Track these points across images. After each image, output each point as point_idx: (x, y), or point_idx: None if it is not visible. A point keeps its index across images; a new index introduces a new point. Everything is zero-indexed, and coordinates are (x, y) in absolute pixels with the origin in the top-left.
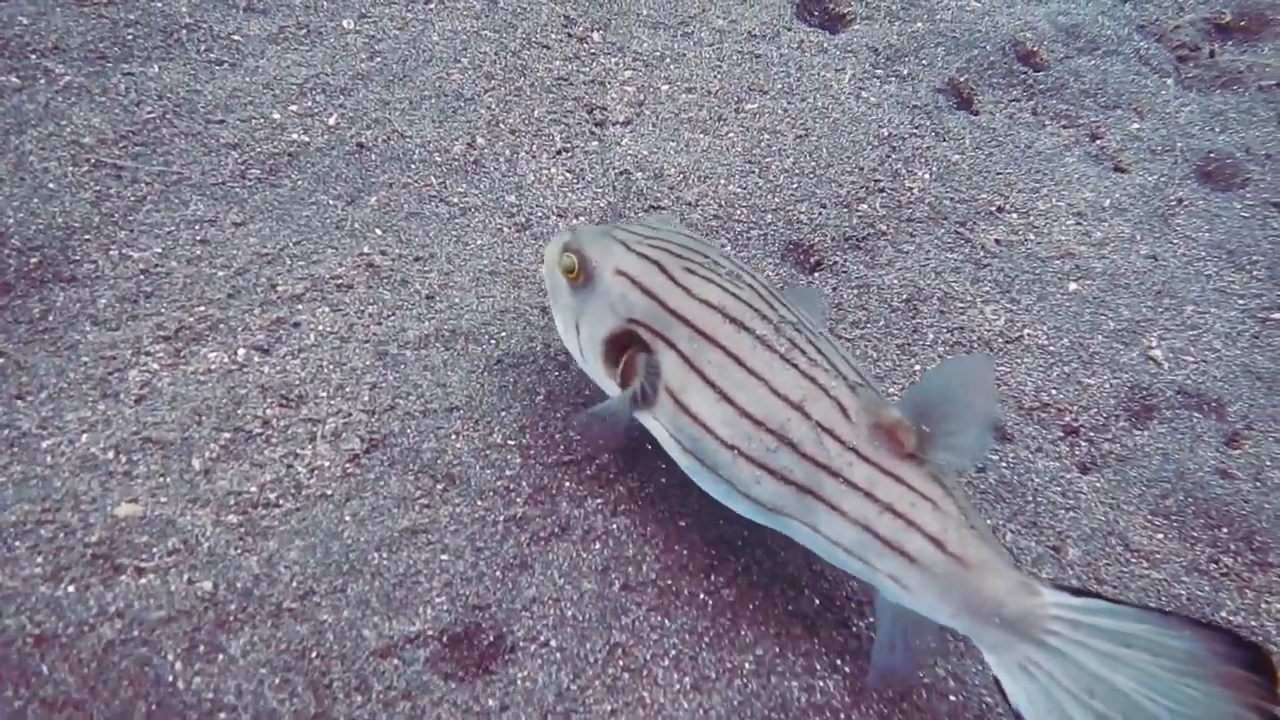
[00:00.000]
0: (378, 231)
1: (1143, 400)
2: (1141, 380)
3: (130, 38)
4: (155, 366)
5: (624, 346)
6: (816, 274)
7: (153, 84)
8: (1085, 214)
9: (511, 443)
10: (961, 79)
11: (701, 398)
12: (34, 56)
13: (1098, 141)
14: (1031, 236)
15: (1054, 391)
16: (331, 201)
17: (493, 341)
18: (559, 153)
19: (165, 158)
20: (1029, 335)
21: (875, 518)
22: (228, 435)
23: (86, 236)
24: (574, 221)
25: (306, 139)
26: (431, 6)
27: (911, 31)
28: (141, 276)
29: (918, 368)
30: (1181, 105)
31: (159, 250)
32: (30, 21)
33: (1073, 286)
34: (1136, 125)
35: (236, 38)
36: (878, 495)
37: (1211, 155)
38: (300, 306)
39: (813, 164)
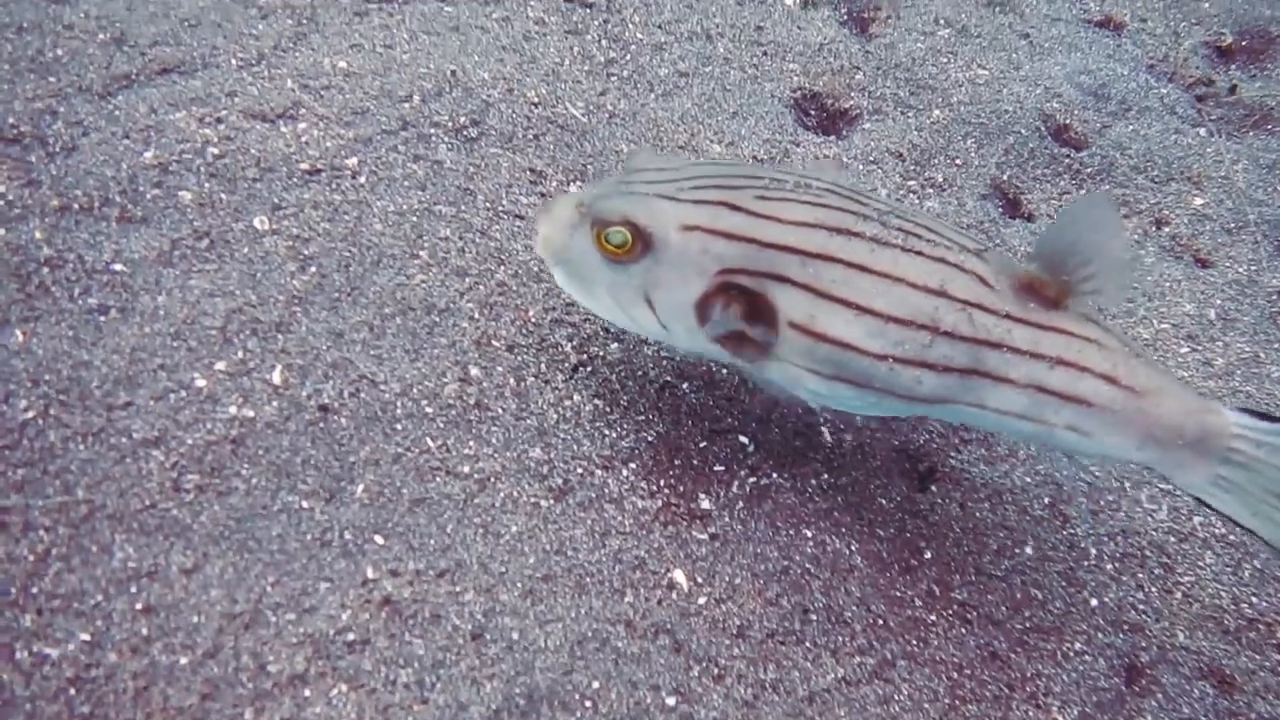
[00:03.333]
0: (378, 540)
1: None
2: None
3: None
4: None
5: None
6: (934, 486)
7: (20, 362)
8: (1196, 335)
9: None
10: (1004, 177)
11: (837, 319)
12: None
13: (1166, 229)
14: None
15: (1254, 600)
16: (305, 504)
17: (588, 703)
18: (575, 369)
19: (63, 480)
20: (1200, 525)
21: (1047, 374)
22: None
23: None
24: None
25: (250, 412)
26: (362, 181)
27: (931, 123)
28: (70, 690)
29: (1095, 602)
30: (1233, 164)
31: (87, 639)
32: None
33: None
34: (1200, 200)
35: (118, 266)
36: (1044, 352)
37: None
38: (308, 693)
39: None
